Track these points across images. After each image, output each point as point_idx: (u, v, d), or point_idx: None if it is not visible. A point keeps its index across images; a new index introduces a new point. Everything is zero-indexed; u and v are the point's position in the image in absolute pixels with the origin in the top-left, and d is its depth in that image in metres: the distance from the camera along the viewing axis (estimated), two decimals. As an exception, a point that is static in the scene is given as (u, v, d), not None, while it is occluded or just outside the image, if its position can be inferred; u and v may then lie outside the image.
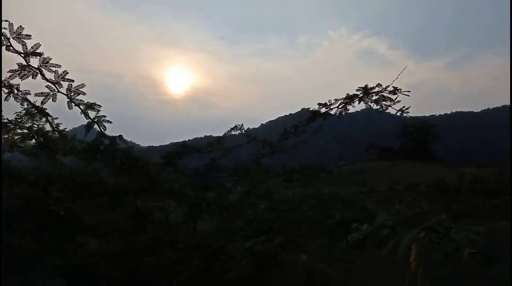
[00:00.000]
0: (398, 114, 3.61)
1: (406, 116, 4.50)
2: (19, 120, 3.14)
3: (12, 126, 3.05)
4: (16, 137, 3.11)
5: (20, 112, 3.23)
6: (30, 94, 3.16)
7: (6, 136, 3.10)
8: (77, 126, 3.86)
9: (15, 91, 3.25)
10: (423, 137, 64.83)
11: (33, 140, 2.99)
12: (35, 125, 3.09)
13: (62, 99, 3.30)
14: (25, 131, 3.08)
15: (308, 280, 4.19)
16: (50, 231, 3.75)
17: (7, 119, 3.10)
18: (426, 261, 1.60)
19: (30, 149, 3.34)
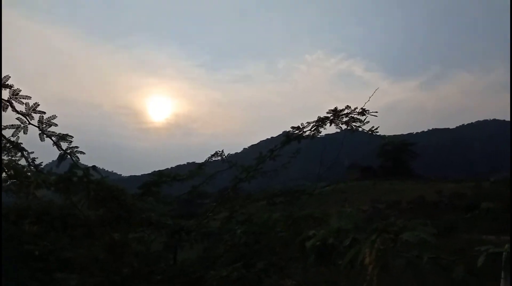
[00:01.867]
0: (369, 133, 3.70)
1: (384, 135, 4.60)
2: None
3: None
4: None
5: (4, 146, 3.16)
6: (5, 129, 3.10)
7: None
8: (54, 159, 3.80)
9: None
10: (401, 155, 66.16)
11: (4, 174, 2.92)
12: (5, 159, 3.02)
13: (35, 131, 3.25)
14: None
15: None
16: (28, 269, 3.62)
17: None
18: (383, 264, 1.61)
19: (5, 184, 3.26)
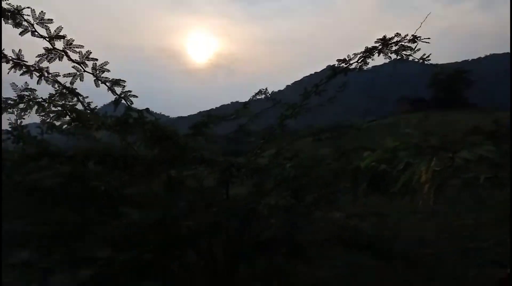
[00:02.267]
0: (420, 62, 3.53)
1: (436, 64, 4.36)
2: (53, 99, 3.32)
3: (46, 105, 3.23)
4: (51, 115, 3.30)
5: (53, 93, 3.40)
6: (59, 75, 3.32)
7: (42, 114, 3.30)
8: (107, 103, 4.02)
9: (45, 74, 3.41)
10: (455, 84, 62.24)
11: (67, 117, 3.17)
12: (68, 103, 3.26)
13: (89, 78, 3.44)
14: (59, 108, 3.26)
15: (342, 235, 4.30)
16: (94, 205, 4.02)
17: (41, 98, 3.29)
18: (440, 184, 1.62)
19: (66, 128, 3.53)
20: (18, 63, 3.18)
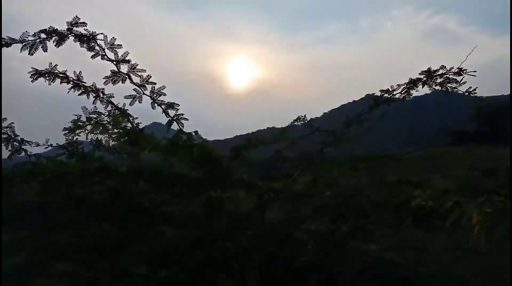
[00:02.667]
0: (466, 94, 3.50)
1: (481, 97, 4.29)
2: (116, 121, 3.59)
3: (110, 127, 3.49)
4: (113, 136, 3.56)
5: (113, 113, 3.68)
6: (114, 97, 3.58)
7: (105, 135, 3.57)
8: (149, 124, 4.25)
9: (101, 95, 3.68)
10: (500, 118, 59.51)
11: (126, 138, 3.40)
12: (128, 126, 3.50)
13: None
14: (120, 130, 3.51)
15: (377, 268, 4.21)
16: (135, 221, 4.18)
17: (106, 120, 3.56)
18: (491, 226, 1.61)
19: (116, 147, 3.77)
20: (77, 83, 3.46)
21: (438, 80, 3.54)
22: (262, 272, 4.07)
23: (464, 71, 3.40)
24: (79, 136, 3.71)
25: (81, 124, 3.48)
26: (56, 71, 3.36)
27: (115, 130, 3.57)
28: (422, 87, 3.63)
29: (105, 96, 3.70)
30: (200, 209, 3.99)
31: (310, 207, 3.62)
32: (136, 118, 3.97)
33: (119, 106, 3.85)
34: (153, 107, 3.28)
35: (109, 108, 3.84)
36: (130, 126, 3.63)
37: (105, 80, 3.25)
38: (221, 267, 3.88)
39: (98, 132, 3.62)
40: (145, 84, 3.19)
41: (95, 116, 3.59)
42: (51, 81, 3.30)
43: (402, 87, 3.68)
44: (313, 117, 4.74)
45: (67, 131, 3.65)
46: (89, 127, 3.57)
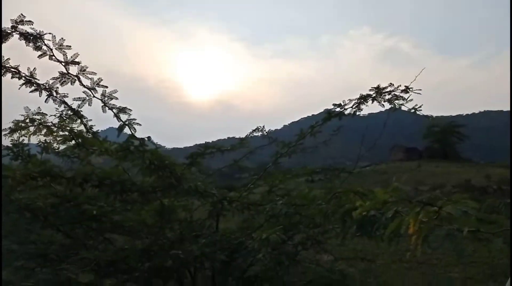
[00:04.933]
0: (412, 111, 3.69)
1: (427, 115, 4.54)
2: (62, 123, 3.43)
3: (55, 129, 3.32)
4: (58, 139, 3.39)
5: (62, 115, 3.51)
6: (67, 97, 3.44)
7: (50, 138, 3.39)
8: (106, 128, 4.12)
9: (54, 94, 3.53)
10: (448, 137, 63.19)
11: (73, 141, 3.25)
12: (75, 128, 3.36)
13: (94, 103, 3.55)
14: (66, 133, 3.35)
15: (328, 278, 4.29)
16: (83, 228, 4.01)
17: (51, 122, 3.38)
18: (426, 235, 1.72)
19: (64, 151, 3.61)
20: (30, 80, 3.30)
21: (387, 97, 3.72)
22: (214, 281, 4.03)
23: (411, 89, 3.59)
24: (25, 137, 3.52)
25: (23, 125, 3.30)
26: (8, 65, 3.19)
27: (61, 133, 3.41)
28: (372, 103, 3.80)
29: (58, 95, 3.54)
30: (151, 216, 3.91)
31: (263, 216, 3.65)
32: (90, 120, 3.83)
33: (73, 107, 3.70)
34: (104, 111, 3.19)
35: (62, 108, 3.69)
36: (78, 129, 3.49)
37: (52, 80, 3.12)
38: (172, 275, 3.80)
39: (41, 134, 3.44)
40: (96, 87, 3.10)
41: (38, 117, 3.41)
42: (1, 75, 3.13)
43: (353, 102, 3.82)
44: (273, 129, 4.82)
45: (7, 132, 3.45)
46: (32, 129, 3.37)
